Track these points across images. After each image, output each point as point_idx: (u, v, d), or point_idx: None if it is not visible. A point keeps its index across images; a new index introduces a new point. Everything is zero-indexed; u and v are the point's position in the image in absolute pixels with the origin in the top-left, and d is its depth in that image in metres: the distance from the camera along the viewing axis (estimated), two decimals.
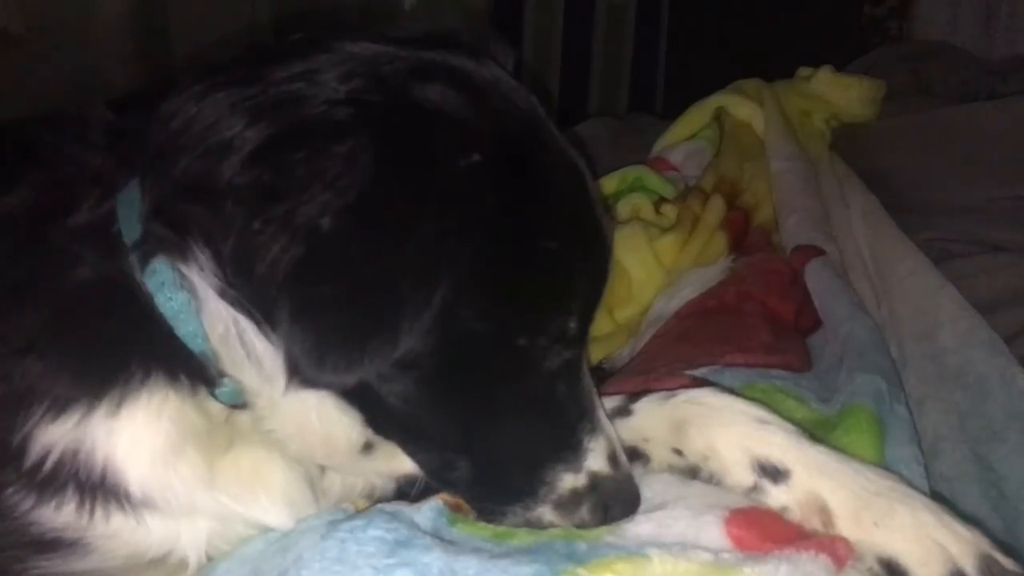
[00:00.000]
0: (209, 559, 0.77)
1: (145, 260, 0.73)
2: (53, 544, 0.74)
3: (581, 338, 0.80)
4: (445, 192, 0.67)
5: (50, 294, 0.76)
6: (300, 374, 0.67)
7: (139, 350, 0.74)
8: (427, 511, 0.76)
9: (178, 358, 0.74)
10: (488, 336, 0.72)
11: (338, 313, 0.64)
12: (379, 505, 0.79)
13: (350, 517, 0.75)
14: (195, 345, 0.73)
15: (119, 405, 0.73)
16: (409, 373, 0.71)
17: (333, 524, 0.73)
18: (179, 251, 0.71)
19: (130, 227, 0.75)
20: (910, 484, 0.77)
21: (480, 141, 0.70)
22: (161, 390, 0.74)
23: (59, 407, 0.73)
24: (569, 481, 0.78)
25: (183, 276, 0.72)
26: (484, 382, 0.75)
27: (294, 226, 0.63)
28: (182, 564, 0.76)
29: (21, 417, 0.73)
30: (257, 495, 0.77)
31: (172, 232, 0.71)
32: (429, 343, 0.70)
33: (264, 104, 0.69)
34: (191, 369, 0.74)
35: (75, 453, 0.73)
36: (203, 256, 0.70)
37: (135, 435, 0.73)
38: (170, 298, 0.73)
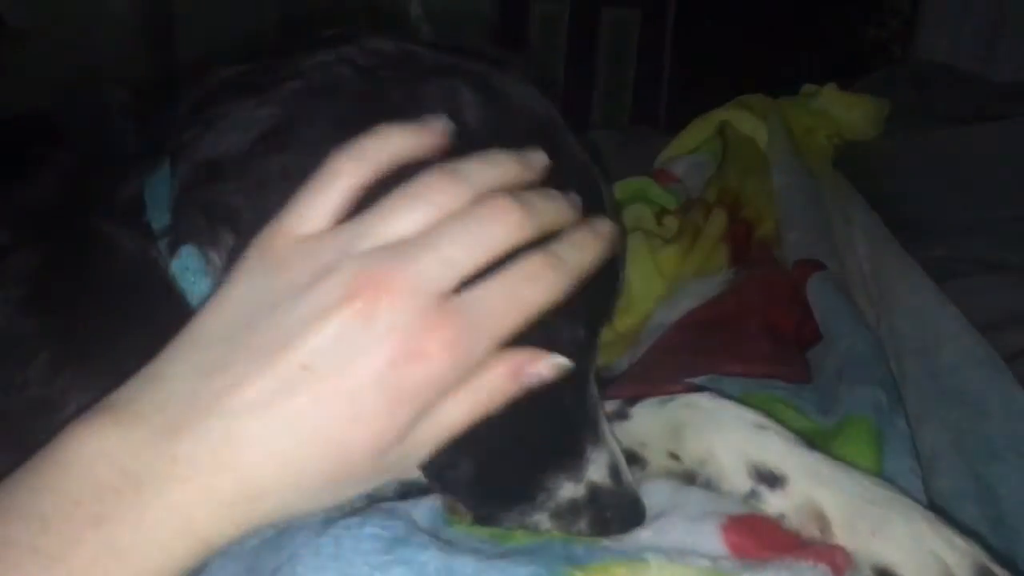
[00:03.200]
0: None
1: (173, 247, 0.73)
2: None
3: (590, 346, 0.80)
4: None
5: (76, 287, 0.76)
6: None
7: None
8: (424, 508, 0.75)
9: None
10: None
11: None
12: (375, 504, 0.78)
13: (346, 514, 0.74)
14: None
15: None
16: None
17: (328, 522, 0.72)
18: (207, 236, 0.71)
19: (159, 213, 0.75)
20: (908, 495, 0.76)
21: (476, 136, 0.71)
22: None
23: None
24: (569, 490, 0.77)
25: (211, 261, 0.72)
26: None
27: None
28: None
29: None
30: None
31: (202, 216, 0.71)
32: None
33: (283, 90, 0.71)
34: None
35: None
36: (230, 239, 0.70)
37: None
38: (194, 283, 0.73)
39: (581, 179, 0.79)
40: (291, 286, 0.59)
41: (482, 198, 0.64)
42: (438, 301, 0.59)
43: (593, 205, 0.79)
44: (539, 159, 0.71)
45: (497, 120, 0.74)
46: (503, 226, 0.63)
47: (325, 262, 0.59)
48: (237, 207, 0.69)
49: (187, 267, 0.73)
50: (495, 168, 0.67)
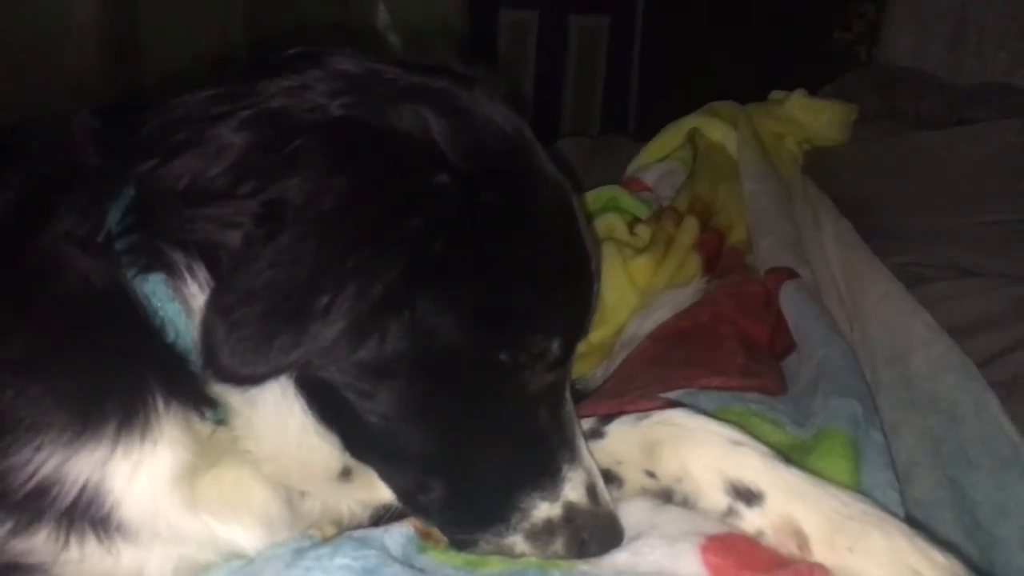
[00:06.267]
0: None
1: (137, 269, 0.72)
2: (10, 569, 0.72)
3: (564, 363, 0.80)
4: (390, 209, 0.67)
5: (42, 304, 0.74)
6: (216, 364, 0.66)
7: (139, 372, 0.72)
8: (397, 535, 0.74)
9: (177, 377, 0.72)
10: (466, 348, 0.72)
11: (256, 308, 0.65)
12: (347, 532, 0.76)
13: (316, 545, 0.72)
14: (188, 359, 0.71)
15: (121, 432, 0.71)
16: (387, 383, 0.71)
17: (299, 552, 0.71)
18: (170, 260, 0.71)
19: (125, 237, 0.73)
20: (885, 509, 0.76)
21: (449, 163, 0.70)
22: (163, 416, 0.72)
23: (55, 434, 0.70)
24: (544, 510, 0.76)
25: (175, 284, 0.71)
26: (464, 398, 0.74)
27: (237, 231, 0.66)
28: None
29: (13, 441, 0.70)
30: (239, 514, 0.75)
31: (164, 241, 0.71)
32: (402, 349, 0.70)
33: (251, 117, 0.70)
34: (189, 388, 0.72)
35: (66, 482, 0.71)
36: (194, 265, 0.70)
37: (138, 465, 0.72)
38: (160, 308, 0.72)
39: (551, 195, 0.79)
40: None
41: None
42: None
43: (564, 220, 0.80)
44: None
45: (467, 142, 0.73)
46: None
47: None
48: (212, 242, 0.68)
49: (154, 292, 0.72)
50: None
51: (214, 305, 0.66)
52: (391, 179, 0.68)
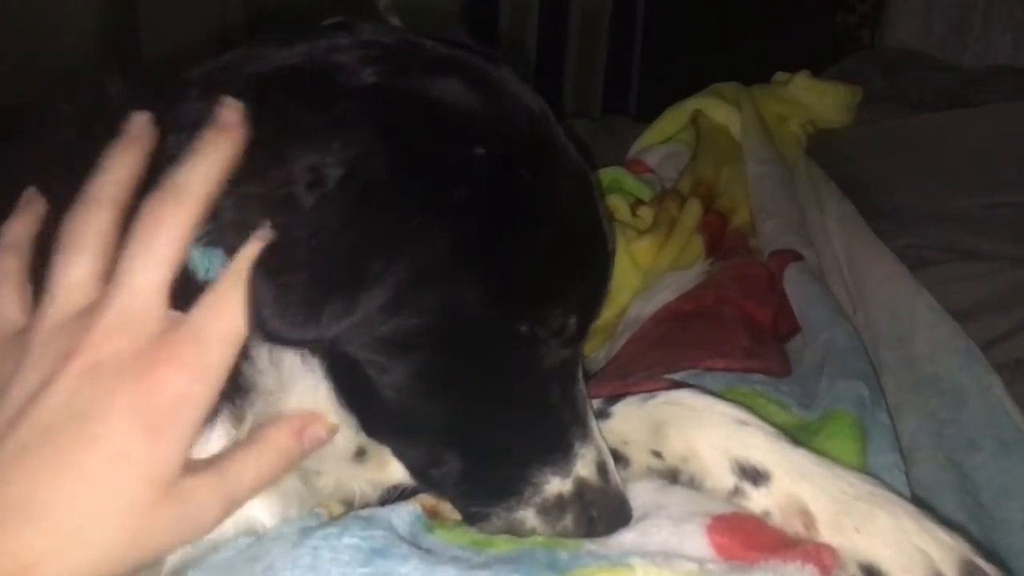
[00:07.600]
0: (183, 563, 0.74)
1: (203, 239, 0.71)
2: None
3: (579, 340, 0.80)
4: (437, 179, 0.67)
5: None
6: (264, 326, 0.66)
7: None
8: (404, 514, 0.74)
9: None
10: (488, 320, 0.72)
11: (307, 272, 0.65)
12: (355, 511, 0.77)
13: (324, 524, 0.72)
14: None
15: None
16: (408, 355, 0.71)
17: (306, 531, 0.70)
18: (218, 215, 0.69)
19: None
20: (892, 490, 0.76)
21: (486, 137, 0.70)
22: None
23: None
24: (556, 485, 0.77)
25: (212, 254, 0.70)
26: (482, 371, 0.75)
27: (284, 195, 0.65)
28: (155, 566, 0.74)
29: None
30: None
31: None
32: (428, 322, 0.70)
33: (281, 80, 0.70)
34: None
35: None
36: (239, 222, 0.69)
37: (206, 441, 0.71)
38: (208, 264, 0.70)
39: (573, 173, 0.79)
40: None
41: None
42: (150, 329, 0.62)
43: (585, 198, 0.80)
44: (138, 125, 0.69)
45: (498, 117, 0.74)
46: (90, 222, 0.65)
47: (26, 346, 0.63)
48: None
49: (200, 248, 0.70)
50: (112, 172, 0.67)
51: (261, 266, 0.65)
52: (436, 148, 0.68)
